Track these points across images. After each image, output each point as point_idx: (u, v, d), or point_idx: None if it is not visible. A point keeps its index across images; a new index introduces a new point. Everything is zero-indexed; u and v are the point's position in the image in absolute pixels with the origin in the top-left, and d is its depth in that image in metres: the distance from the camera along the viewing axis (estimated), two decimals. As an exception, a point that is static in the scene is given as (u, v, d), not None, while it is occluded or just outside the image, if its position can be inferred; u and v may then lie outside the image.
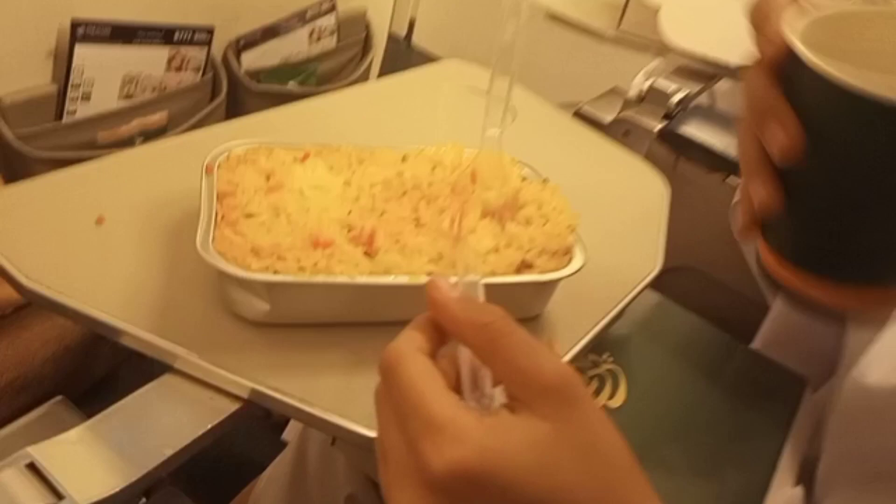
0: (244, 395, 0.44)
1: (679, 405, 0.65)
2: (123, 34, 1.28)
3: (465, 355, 0.33)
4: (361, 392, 0.41)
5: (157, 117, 1.38)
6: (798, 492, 0.58)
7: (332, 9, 1.53)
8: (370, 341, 0.46)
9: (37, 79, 1.24)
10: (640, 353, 0.68)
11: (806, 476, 0.61)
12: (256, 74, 1.46)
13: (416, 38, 1.75)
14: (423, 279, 0.45)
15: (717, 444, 0.63)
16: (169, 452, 0.41)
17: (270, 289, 0.44)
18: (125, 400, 0.44)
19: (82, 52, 1.25)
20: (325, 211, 0.49)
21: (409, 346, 0.32)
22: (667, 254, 0.65)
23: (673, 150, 0.88)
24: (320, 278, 0.43)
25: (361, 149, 0.56)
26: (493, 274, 0.47)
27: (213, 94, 1.42)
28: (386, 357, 0.32)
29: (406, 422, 0.30)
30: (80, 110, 1.30)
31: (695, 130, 0.87)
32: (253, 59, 1.47)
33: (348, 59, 1.63)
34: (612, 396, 0.63)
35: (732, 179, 0.86)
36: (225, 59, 1.43)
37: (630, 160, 0.78)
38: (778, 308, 0.79)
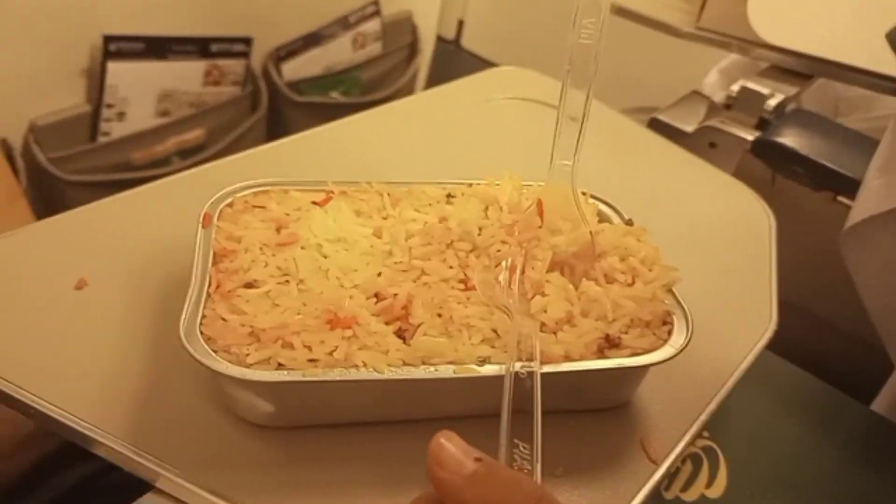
0: (242, 528, 0.33)
1: (792, 484, 0.52)
2: (157, 49, 1.21)
3: None
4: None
5: (195, 134, 1.30)
6: None
7: (377, 13, 1.44)
8: (411, 445, 0.35)
9: (70, 99, 1.18)
10: (742, 423, 0.55)
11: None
12: (298, 85, 1.38)
13: (466, 40, 1.64)
14: (472, 371, 0.34)
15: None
16: None
17: (272, 389, 0.34)
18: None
19: (116, 69, 1.19)
20: (347, 273, 0.38)
21: None
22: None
23: (770, 165, 0.74)
24: (335, 374, 0.33)
25: (395, 186, 0.45)
26: (567, 358, 0.36)
27: (253, 107, 1.35)
28: None
29: None
30: (115, 130, 1.23)
31: (797, 140, 0.73)
32: (294, 69, 1.38)
33: (394, 64, 1.54)
34: (710, 483, 0.51)
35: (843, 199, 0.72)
36: (265, 70, 1.35)
37: (722, 180, 0.65)
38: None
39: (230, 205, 0.43)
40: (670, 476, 0.49)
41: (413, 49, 1.55)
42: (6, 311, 0.41)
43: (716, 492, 0.50)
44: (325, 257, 0.39)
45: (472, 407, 0.36)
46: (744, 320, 0.49)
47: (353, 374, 0.33)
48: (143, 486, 0.35)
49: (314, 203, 0.43)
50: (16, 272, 0.44)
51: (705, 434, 0.53)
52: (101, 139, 1.20)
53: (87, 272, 0.44)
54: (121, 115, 1.23)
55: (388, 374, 0.33)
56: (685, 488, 0.50)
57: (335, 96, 1.43)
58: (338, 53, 1.43)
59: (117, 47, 1.15)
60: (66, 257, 0.45)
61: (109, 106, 1.21)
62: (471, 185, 0.46)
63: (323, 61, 1.41)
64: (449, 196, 0.45)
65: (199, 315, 0.34)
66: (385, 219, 0.43)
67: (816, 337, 0.77)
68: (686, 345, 0.37)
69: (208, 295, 0.36)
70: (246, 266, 0.38)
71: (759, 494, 0.51)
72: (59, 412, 0.36)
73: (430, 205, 0.44)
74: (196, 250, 0.38)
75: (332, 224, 0.41)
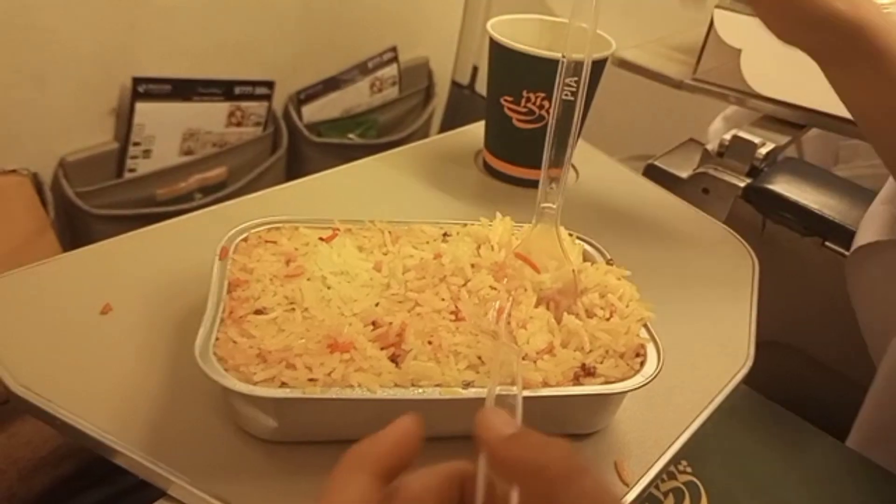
0: (244, 532, 0.37)
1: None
2: (184, 90, 1.27)
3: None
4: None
5: (217, 172, 1.36)
6: None
7: (394, 59, 1.50)
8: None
9: (99, 137, 1.24)
10: (723, 459, 0.57)
11: None
12: (317, 127, 1.44)
13: (480, 85, 1.70)
14: (456, 393, 0.38)
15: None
16: None
17: (276, 405, 0.37)
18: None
19: (143, 108, 1.25)
20: (348, 303, 0.42)
21: None
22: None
23: (760, 211, 0.78)
24: (332, 393, 0.36)
25: (397, 225, 0.49)
26: (545, 384, 0.39)
27: (274, 147, 1.40)
28: None
29: None
30: (140, 167, 1.29)
31: (786, 187, 0.77)
32: (314, 112, 1.44)
33: (410, 108, 1.60)
34: (692, 516, 0.53)
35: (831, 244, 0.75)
36: (286, 112, 1.41)
37: (711, 226, 0.68)
38: (878, 393, 0.67)
39: (245, 239, 0.47)
40: (653, 506, 0.52)
41: (429, 93, 1.61)
42: (38, 332, 0.45)
43: (699, 526, 0.52)
44: (329, 288, 0.43)
45: (457, 428, 0.39)
46: (722, 357, 0.52)
47: (348, 393, 0.36)
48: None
49: (321, 239, 0.47)
50: (47, 298, 0.48)
51: (688, 469, 0.56)
52: (128, 175, 1.26)
53: (112, 299, 0.48)
54: (147, 153, 1.29)
55: (381, 393, 0.37)
56: (667, 520, 0.52)
57: (352, 138, 1.48)
58: (356, 97, 1.49)
59: (145, 88, 1.21)
60: (92, 285, 0.49)
61: (136, 144, 1.26)
62: (465, 225, 0.50)
63: (342, 104, 1.47)
64: (445, 235, 0.49)
65: (213, 337, 0.38)
66: (385, 254, 0.47)
67: (802, 374, 0.79)
68: (656, 375, 0.40)
69: (222, 320, 0.40)
70: (256, 295, 0.42)
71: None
72: (82, 423, 0.40)
73: (427, 242, 0.48)
74: (213, 279, 0.42)
75: (336, 258, 0.45)
